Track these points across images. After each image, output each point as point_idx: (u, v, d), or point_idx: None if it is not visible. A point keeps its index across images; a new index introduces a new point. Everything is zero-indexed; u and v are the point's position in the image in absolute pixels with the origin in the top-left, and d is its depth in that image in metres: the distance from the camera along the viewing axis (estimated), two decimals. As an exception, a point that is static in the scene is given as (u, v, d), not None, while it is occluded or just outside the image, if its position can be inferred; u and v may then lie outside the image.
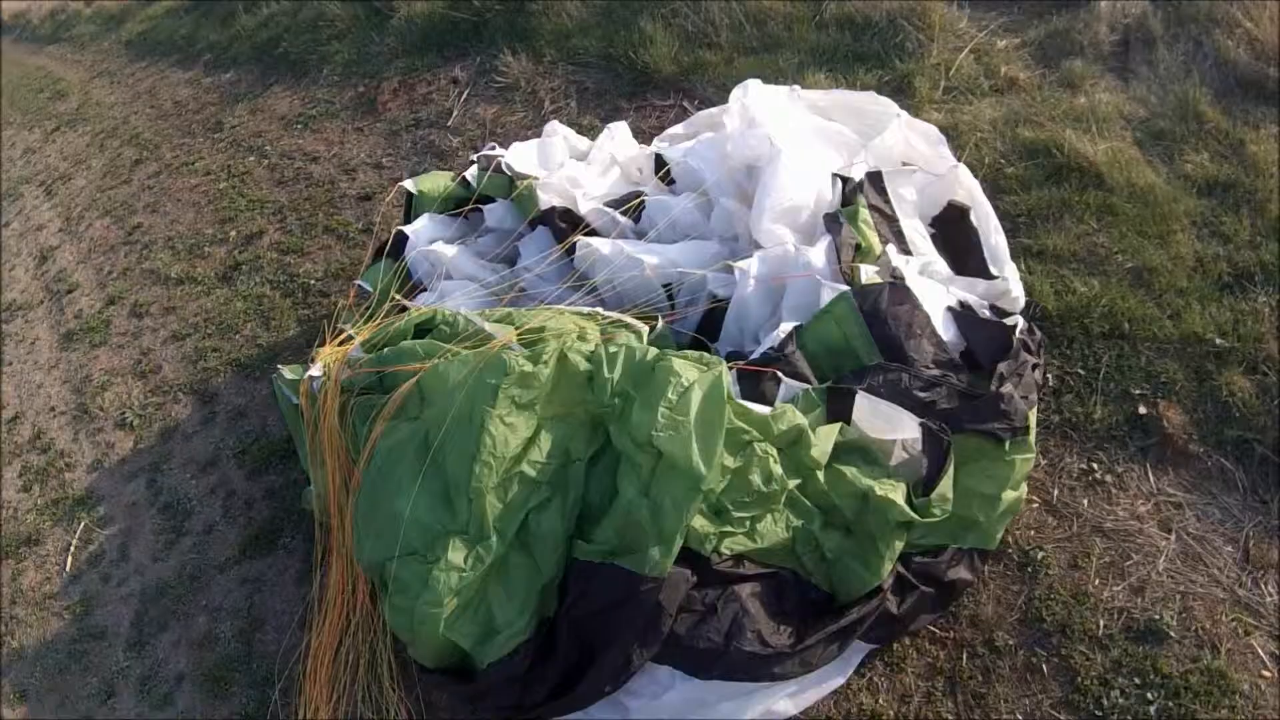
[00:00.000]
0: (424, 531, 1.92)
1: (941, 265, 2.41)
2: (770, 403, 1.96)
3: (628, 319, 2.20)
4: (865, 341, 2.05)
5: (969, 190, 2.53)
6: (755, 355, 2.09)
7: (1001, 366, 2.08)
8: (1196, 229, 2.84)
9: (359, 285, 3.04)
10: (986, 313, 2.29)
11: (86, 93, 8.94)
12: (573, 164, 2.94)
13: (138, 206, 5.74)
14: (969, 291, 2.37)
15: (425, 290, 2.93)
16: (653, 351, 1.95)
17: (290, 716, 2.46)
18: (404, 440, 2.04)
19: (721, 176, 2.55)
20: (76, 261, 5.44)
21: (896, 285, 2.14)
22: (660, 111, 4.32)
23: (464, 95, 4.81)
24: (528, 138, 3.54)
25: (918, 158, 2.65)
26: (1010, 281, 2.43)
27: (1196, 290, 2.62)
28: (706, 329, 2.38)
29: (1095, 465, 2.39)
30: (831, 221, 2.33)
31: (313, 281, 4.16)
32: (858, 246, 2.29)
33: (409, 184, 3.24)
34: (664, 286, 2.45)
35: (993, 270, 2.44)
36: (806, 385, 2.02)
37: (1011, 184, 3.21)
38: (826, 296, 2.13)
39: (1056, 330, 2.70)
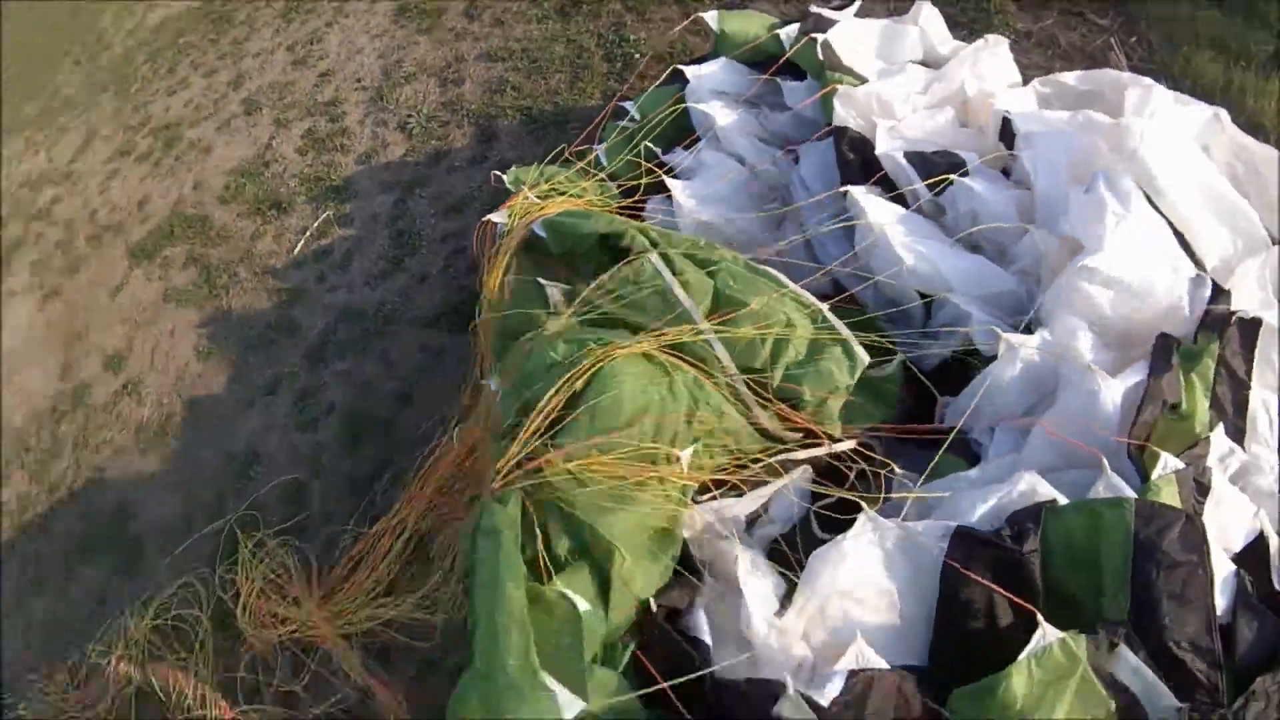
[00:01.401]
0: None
1: (1270, 478, 1.80)
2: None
3: (850, 339, 1.95)
4: (1118, 581, 1.65)
5: None
6: (980, 517, 1.77)
7: (1260, 683, 1.59)
8: None
9: (621, 106, 2.97)
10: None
11: None
12: (899, 80, 2.45)
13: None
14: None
15: (697, 141, 2.80)
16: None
17: (385, 506, 2.90)
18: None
19: (1055, 192, 2.00)
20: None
21: (1192, 524, 1.64)
22: (1088, 31, 3.41)
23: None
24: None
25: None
26: None
27: None
28: (943, 375, 2.02)
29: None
30: (1160, 353, 1.79)
31: (636, 55, 4.10)
32: (1174, 407, 1.76)
33: (710, 17, 2.94)
34: (922, 297, 2.08)
35: None
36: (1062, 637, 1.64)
37: None
38: (1101, 489, 1.71)
39: None
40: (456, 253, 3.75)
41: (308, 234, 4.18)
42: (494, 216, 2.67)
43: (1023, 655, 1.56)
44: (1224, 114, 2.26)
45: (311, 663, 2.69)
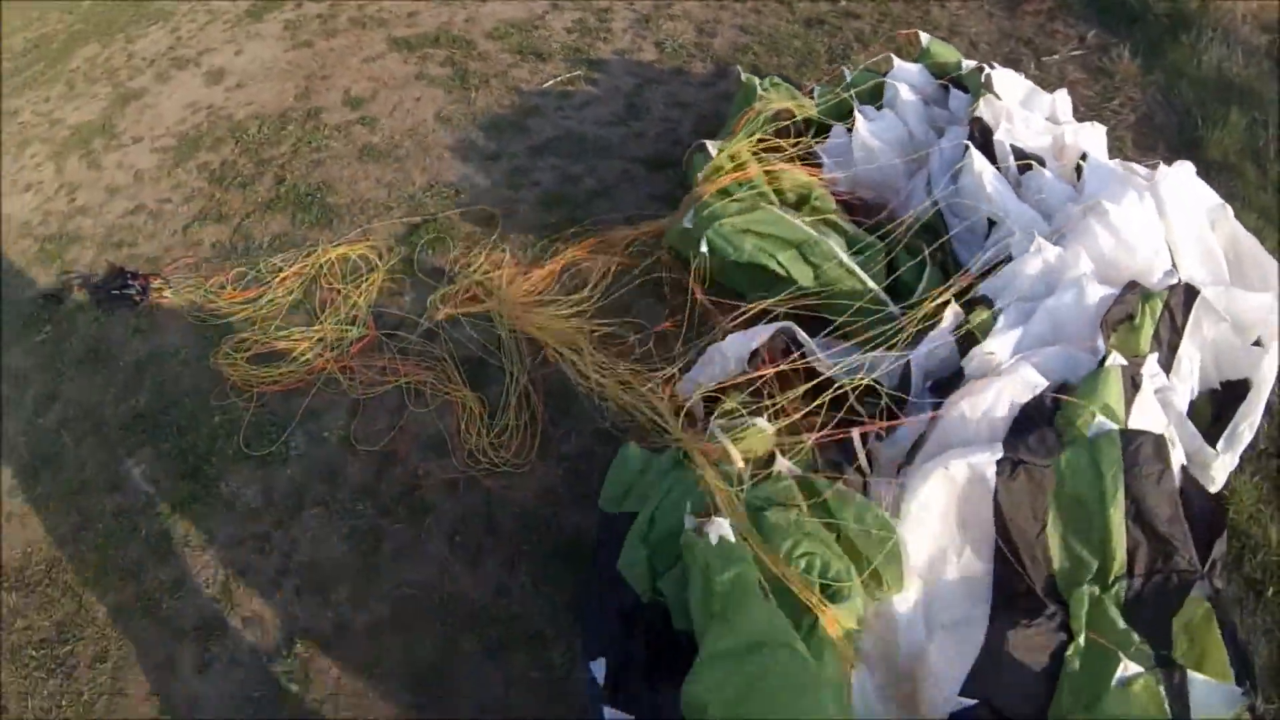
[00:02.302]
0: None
1: (1181, 399, 3.09)
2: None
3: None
4: (1116, 484, 2.70)
5: (1264, 375, 3.13)
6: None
7: (1218, 548, 2.71)
8: None
9: (844, 70, 4.58)
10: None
11: None
12: (1025, 113, 3.98)
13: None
14: (1186, 441, 3.03)
15: (879, 110, 4.35)
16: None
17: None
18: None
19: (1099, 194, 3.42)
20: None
21: (1159, 440, 2.76)
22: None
23: (1073, 51, 5.78)
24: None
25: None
26: (1222, 466, 3.04)
27: None
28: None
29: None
30: (1128, 287, 3.12)
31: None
32: (1130, 317, 3.07)
33: (924, 37, 4.60)
34: (989, 222, 3.52)
35: (1219, 445, 3.06)
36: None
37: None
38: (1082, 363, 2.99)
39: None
40: (671, 129, 5.24)
41: (558, 79, 5.75)
42: (708, 144, 4.20)
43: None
44: (1228, 208, 3.55)
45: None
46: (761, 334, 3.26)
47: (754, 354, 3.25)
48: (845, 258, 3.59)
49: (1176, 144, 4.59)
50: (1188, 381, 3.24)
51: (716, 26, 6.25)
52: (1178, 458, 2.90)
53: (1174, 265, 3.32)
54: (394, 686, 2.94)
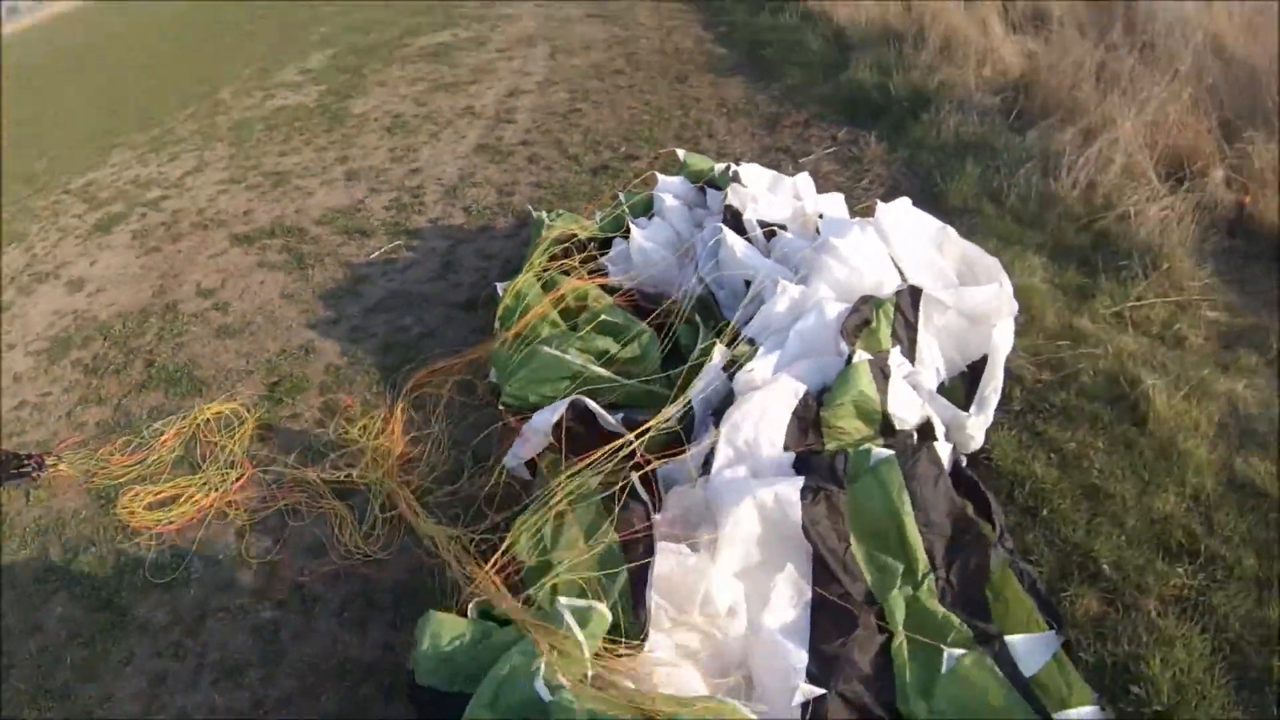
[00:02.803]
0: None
1: (928, 379, 4.02)
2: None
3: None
4: (900, 494, 3.31)
5: (996, 345, 4.10)
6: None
7: (997, 519, 3.41)
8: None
9: (617, 196, 5.95)
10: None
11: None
12: (769, 196, 5.35)
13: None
14: (940, 412, 3.93)
15: (650, 219, 5.67)
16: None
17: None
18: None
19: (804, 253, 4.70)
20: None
21: (931, 449, 3.43)
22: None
23: (828, 149, 7.40)
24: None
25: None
26: (977, 425, 3.99)
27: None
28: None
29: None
30: (862, 299, 4.08)
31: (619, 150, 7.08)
32: (866, 323, 3.96)
33: (680, 153, 6.03)
34: (745, 283, 4.64)
35: (971, 409, 4.01)
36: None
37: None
38: (833, 372, 3.82)
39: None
40: (483, 276, 6.36)
41: (381, 250, 6.92)
42: (498, 286, 5.52)
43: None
44: (949, 229, 4.61)
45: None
46: (559, 408, 4.14)
47: (558, 425, 4.13)
48: (603, 371, 4.58)
49: (920, 201, 5.51)
50: (931, 365, 4.12)
51: (514, 187, 7.62)
52: (943, 449, 3.62)
53: (902, 278, 4.31)
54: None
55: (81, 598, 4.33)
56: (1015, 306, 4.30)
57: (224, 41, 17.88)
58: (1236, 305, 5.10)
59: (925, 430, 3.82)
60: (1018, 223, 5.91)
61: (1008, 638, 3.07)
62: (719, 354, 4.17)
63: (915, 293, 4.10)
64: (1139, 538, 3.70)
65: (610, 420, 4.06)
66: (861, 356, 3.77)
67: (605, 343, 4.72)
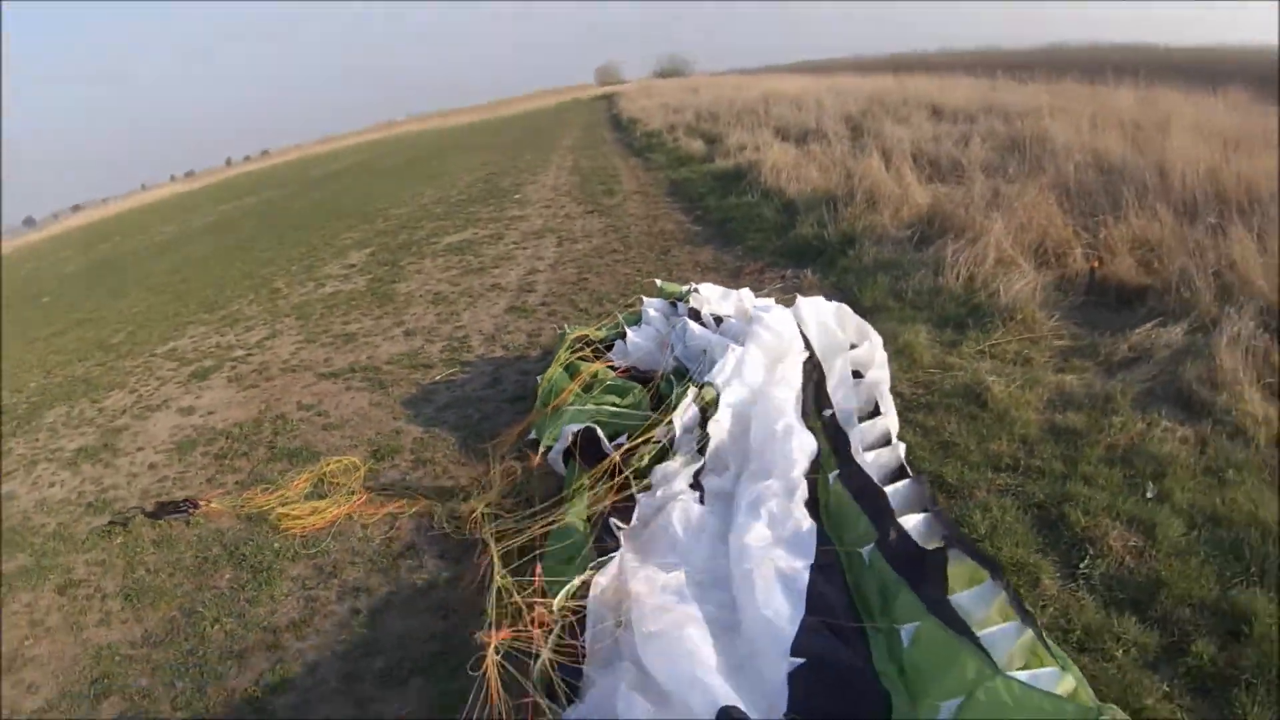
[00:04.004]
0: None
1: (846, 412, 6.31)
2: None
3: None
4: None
5: (874, 375, 6.29)
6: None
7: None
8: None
9: (617, 314, 8.28)
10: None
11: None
12: (720, 300, 7.68)
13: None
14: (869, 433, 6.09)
15: (640, 325, 7.97)
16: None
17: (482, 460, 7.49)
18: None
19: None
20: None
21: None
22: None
23: (778, 285, 9.83)
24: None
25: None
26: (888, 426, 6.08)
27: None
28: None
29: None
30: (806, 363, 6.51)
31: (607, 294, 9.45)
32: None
33: (659, 281, 8.41)
34: (703, 352, 6.93)
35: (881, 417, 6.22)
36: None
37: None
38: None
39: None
40: (522, 384, 8.51)
41: (443, 375, 9.19)
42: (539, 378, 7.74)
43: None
44: (845, 306, 6.93)
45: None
46: (567, 435, 6.22)
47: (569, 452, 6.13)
48: (610, 409, 6.74)
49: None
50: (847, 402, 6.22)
51: (540, 333, 9.98)
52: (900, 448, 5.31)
53: (808, 345, 6.55)
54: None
55: (245, 568, 6.20)
56: (884, 355, 6.61)
57: (261, 251, 21.16)
58: (1080, 335, 7.31)
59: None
60: (913, 309, 8.26)
61: (952, 597, 3.74)
62: (691, 393, 6.20)
63: (815, 363, 6.33)
64: (977, 465, 5.66)
65: (607, 444, 5.90)
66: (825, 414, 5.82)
67: (611, 399, 6.89)
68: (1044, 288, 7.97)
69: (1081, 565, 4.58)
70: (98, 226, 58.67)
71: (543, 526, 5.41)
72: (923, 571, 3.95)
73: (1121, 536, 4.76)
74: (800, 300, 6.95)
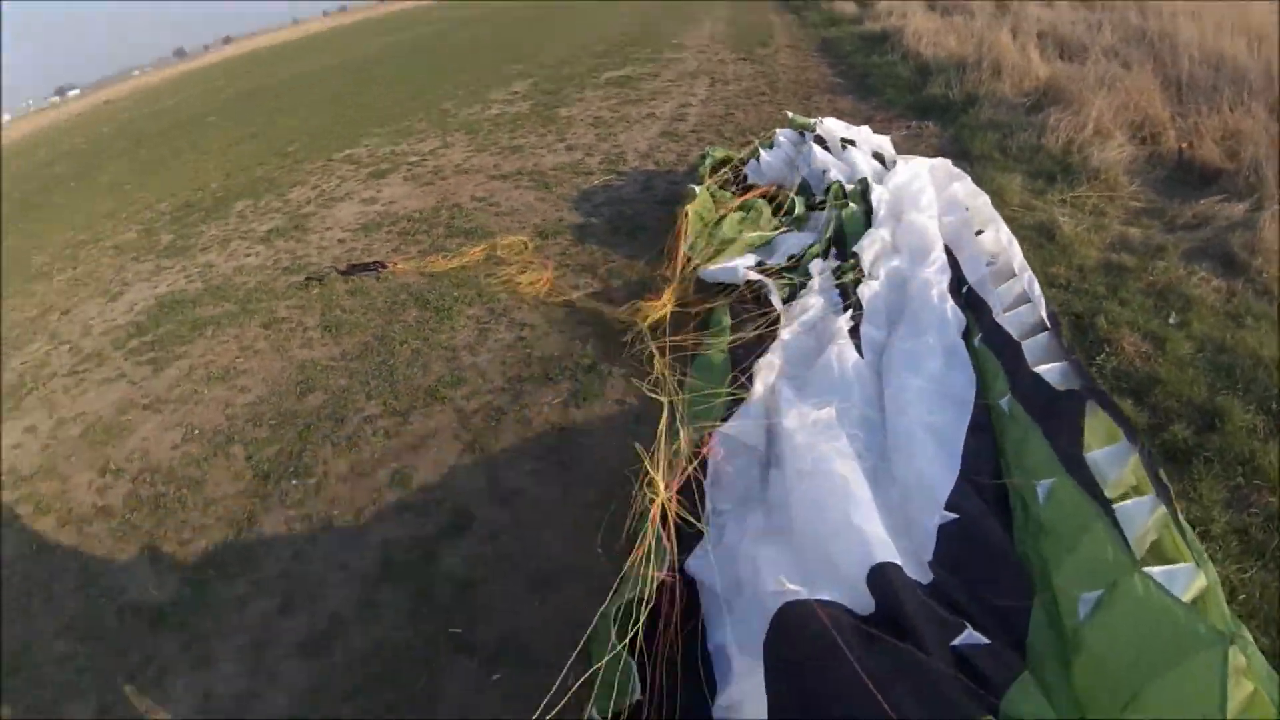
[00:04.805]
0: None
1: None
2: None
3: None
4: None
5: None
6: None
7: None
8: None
9: (753, 140, 9.66)
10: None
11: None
12: (843, 131, 8.92)
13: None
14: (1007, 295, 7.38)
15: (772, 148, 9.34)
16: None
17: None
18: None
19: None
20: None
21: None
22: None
23: (903, 132, 10.96)
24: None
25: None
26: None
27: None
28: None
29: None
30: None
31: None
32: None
33: (789, 113, 9.69)
34: (822, 173, 8.24)
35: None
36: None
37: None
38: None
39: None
40: (671, 191, 9.88)
41: (604, 176, 10.76)
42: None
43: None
44: (949, 161, 8.06)
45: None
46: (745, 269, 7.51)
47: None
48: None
49: (953, 156, 8.83)
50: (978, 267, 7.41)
51: (689, 154, 11.34)
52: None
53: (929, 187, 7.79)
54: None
55: (429, 309, 7.93)
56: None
57: (424, 78, 23.09)
58: (1153, 201, 8.32)
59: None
60: (1014, 161, 9.27)
61: (1088, 455, 3.66)
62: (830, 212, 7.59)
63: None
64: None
65: (744, 272, 6.75)
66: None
67: (738, 215, 8.25)
68: (1133, 159, 8.91)
69: (1098, 359, 5.59)
70: (248, 57, 61.22)
71: (693, 341, 6.16)
72: (1058, 418, 3.93)
73: (1136, 344, 5.83)
74: (917, 161, 7.97)
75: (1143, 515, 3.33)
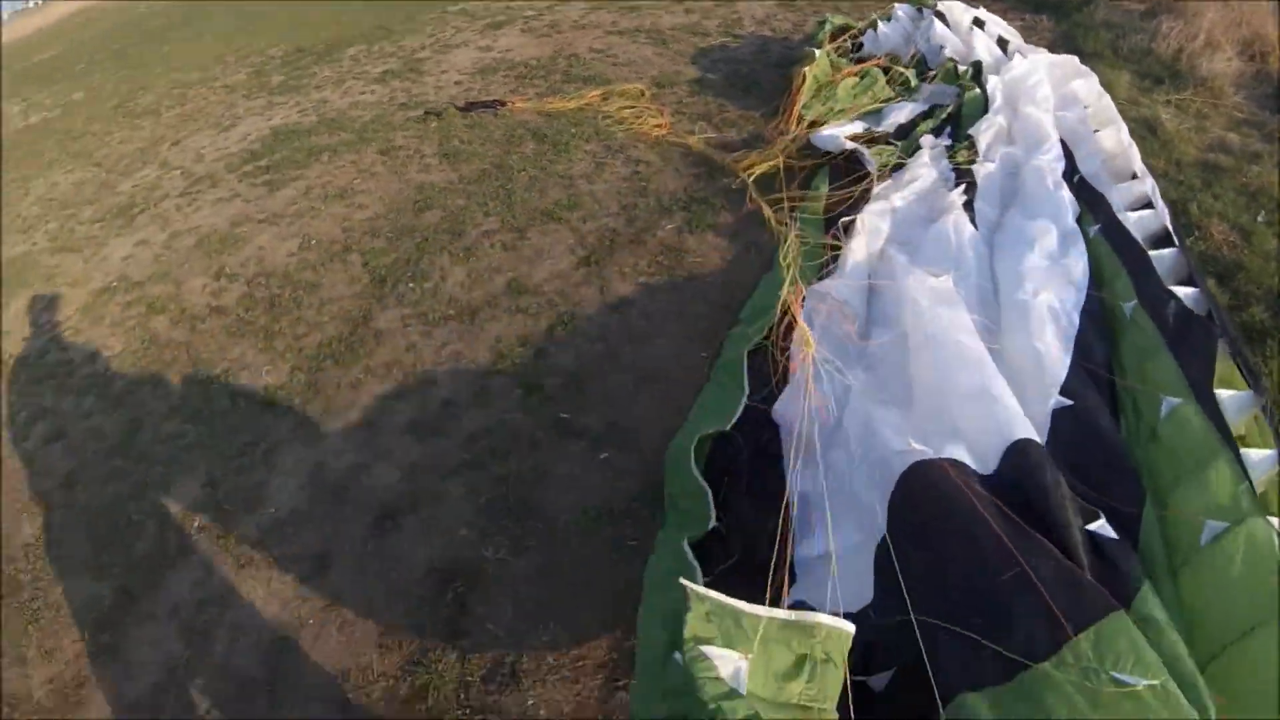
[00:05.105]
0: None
1: None
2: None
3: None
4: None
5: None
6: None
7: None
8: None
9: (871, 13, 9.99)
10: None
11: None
12: (961, 13, 9.17)
13: None
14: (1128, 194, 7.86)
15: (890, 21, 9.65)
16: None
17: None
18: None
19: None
20: None
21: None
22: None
23: (1016, 25, 11.13)
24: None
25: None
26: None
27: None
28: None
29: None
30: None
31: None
32: None
33: None
34: (939, 48, 8.54)
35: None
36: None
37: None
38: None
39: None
40: (787, 56, 10.06)
41: (721, 38, 11.12)
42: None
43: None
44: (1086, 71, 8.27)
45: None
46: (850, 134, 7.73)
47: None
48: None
49: (1064, 50, 9.07)
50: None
51: (805, 23, 11.55)
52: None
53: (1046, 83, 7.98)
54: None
55: (547, 143, 8.47)
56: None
57: None
58: (1256, 113, 8.62)
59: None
60: (1124, 61, 9.48)
61: (1218, 393, 3.47)
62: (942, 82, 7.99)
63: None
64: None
65: (844, 142, 7.09)
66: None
67: (851, 81, 8.60)
68: (1239, 74, 9.15)
69: (1187, 241, 6.02)
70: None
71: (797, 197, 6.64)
72: (1189, 344, 3.77)
73: (1224, 233, 6.28)
74: (1037, 55, 8.17)
75: (1265, 468, 3.23)
